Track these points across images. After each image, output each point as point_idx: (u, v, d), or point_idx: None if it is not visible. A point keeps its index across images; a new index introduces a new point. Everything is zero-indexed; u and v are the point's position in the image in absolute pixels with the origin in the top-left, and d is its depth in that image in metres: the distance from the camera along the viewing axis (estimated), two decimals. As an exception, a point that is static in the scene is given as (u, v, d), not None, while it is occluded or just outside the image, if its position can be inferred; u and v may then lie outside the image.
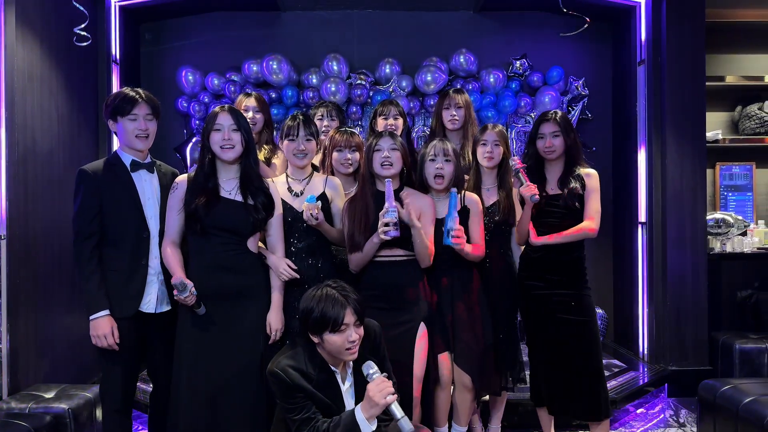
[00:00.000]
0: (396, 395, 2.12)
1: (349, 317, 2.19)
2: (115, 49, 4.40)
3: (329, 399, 2.24)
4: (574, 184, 2.93)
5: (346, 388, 2.32)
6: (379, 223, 2.56)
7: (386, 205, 2.55)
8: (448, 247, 2.72)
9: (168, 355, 2.60)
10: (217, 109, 2.59)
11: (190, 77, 4.88)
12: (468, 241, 2.79)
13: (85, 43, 3.65)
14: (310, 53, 5.00)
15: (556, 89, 4.95)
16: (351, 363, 2.32)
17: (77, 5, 3.57)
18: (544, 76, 4.99)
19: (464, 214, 2.84)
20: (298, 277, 2.60)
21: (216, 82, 4.87)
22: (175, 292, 2.42)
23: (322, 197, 2.76)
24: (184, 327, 2.54)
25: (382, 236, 2.56)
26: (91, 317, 2.47)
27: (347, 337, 2.18)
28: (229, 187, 2.57)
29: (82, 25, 3.58)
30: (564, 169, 3.00)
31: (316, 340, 2.23)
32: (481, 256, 2.89)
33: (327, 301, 2.19)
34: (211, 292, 2.51)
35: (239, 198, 2.56)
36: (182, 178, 2.60)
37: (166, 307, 2.65)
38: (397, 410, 2.08)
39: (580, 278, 2.97)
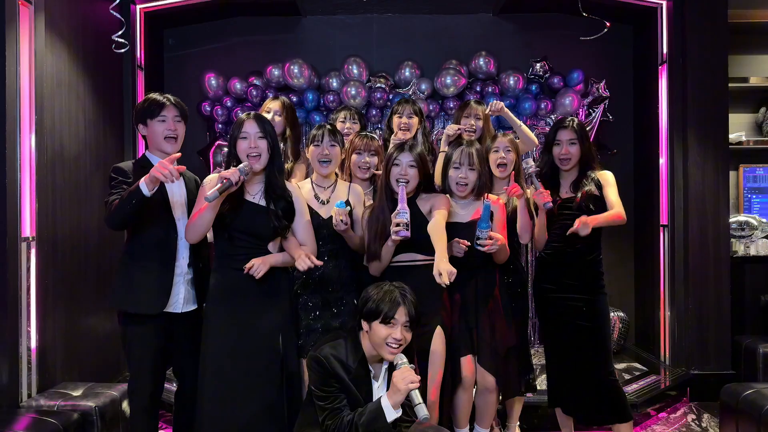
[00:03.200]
0: (417, 384, 2.22)
1: (401, 316, 2.31)
2: (140, 54, 4.49)
3: (361, 395, 2.34)
4: (589, 186, 2.94)
5: (378, 385, 2.41)
6: (392, 224, 2.61)
7: (399, 206, 2.61)
8: (474, 250, 2.75)
9: (193, 353, 2.65)
10: (243, 116, 2.61)
11: (213, 82, 4.95)
12: None
13: (122, 50, 3.73)
14: (330, 57, 5.05)
15: (577, 91, 4.93)
16: (385, 366, 2.41)
17: (114, 13, 3.65)
18: (564, 78, 4.97)
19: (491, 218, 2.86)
20: (315, 266, 2.55)
21: (238, 86, 4.94)
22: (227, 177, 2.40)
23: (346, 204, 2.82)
24: (209, 329, 2.58)
25: (394, 237, 2.61)
26: (141, 186, 2.38)
27: (392, 333, 2.29)
28: (254, 191, 2.61)
29: (120, 32, 3.67)
30: (578, 175, 3.02)
31: (365, 327, 2.34)
32: (507, 256, 2.90)
33: (385, 295, 2.33)
34: (233, 294, 2.55)
35: (263, 202, 2.60)
36: (213, 177, 2.63)
37: (193, 306, 2.71)
38: (416, 397, 2.21)
39: (594, 282, 2.97)
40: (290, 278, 2.74)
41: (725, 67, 4.34)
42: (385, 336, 2.29)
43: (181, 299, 2.66)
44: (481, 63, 4.92)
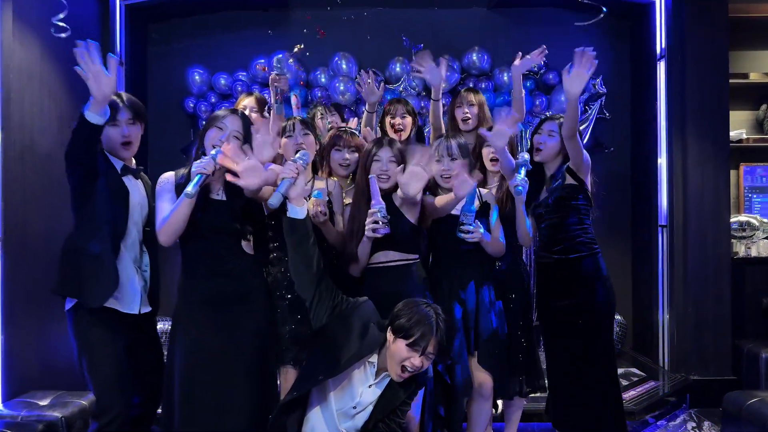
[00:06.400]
0: (292, 174, 2.24)
1: (431, 347, 2.20)
2: (120, 48, 4.35)
3: (340, 346, 2.25)
4: (563, 180, 2.86)
5: (363, 382, 2.27)
6: (367, 220, 2.46)
7: (373, 202, 2.47)
8: (463, 246, 2.66)
9: (155, 357, 2.59)
10: (225, 111, 2.50)
11: (198, 77, 4.83)
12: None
13: (63, 35, 3.52)
14: (319, 52, 4.92)
15: (573, 87, 4.82)
16: (384, 383, 2.29)
17: None
18: (560, 74, 4.84)
19: (485, 209, 2.80)
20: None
21: (224, 81, 4.81)
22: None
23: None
24: (181, 334, 2.44)
25: (368, 234, 2.46)
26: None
27: (411, 357, 2.18)
28: (215, 188, 2.48)
29: (61, 15, 3.46)
30: (558, 168, 2.93)
31: (390, 337, 2.22)
32: (500, 249, 2.79)
33: (422, 319, 2.19)
34: (206, 298, 2.42)
35: (224, 197, 2.47)
36: (169, 175, 2.52)
37: (146, 309, 2.59)
38: (282, 187, 2.25)
39: (590, 287, 2.85)
40: (266, 281, 2.63)
41: (725, 63, 4.26)
42: (402, 357, 2.18)
43: (130, 299, 2.52)
44: (475, 58, 4.82)
